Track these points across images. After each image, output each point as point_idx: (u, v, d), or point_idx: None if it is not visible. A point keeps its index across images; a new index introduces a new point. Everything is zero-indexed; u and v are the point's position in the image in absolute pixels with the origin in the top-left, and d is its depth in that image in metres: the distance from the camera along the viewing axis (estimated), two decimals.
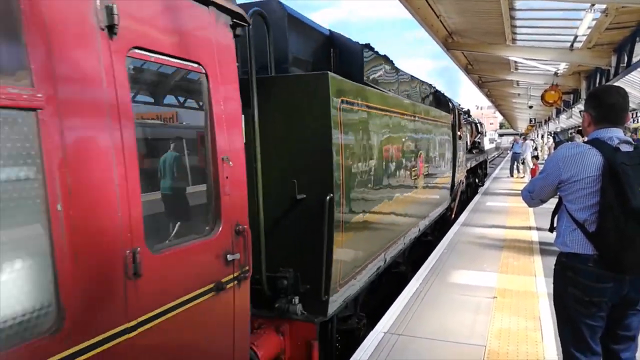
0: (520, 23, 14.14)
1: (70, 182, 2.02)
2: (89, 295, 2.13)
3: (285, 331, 4.54)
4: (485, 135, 35.37)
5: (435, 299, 6.65)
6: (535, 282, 7.30)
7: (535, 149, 30.74)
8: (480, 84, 28.92)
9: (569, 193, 3.18)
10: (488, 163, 30.96)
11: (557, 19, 13.76)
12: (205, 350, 3.07)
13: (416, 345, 5.21)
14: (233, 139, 3.19)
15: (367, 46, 6.05)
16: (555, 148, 20.55)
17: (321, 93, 4.36)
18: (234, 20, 3.20)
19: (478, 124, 24.95)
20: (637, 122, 21.61)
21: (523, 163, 24.77)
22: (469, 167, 18.21)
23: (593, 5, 10.82)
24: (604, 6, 11.03)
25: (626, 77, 14.16)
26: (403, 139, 7.28)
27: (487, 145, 36.72)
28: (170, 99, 3.36)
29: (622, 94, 3.22)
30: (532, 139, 39.00)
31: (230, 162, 3.08)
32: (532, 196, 3.56)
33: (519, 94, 31.27)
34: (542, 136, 42.42)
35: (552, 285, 3.45)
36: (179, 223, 3.24)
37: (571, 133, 21.75)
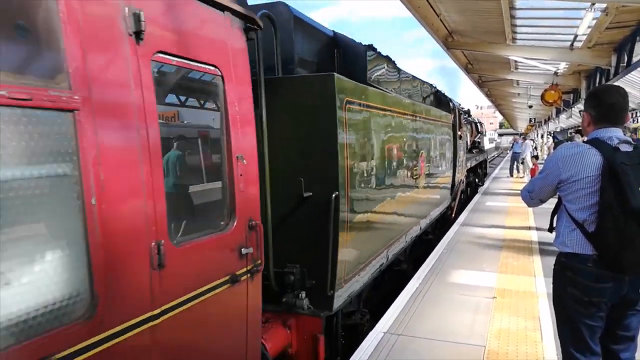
0: (520, 22, 14.27)
1: (103, 178, 2.20)
2: (118, 285, 2.31)
3: (292, 325, 4.73)
4: (485, 135, 35.57)
5: (435, 299, 6.70)
6: (535, 282, 7.35)
7: (535, 148, 30.98)
8: (480, 84, 29.08)
9: (568, 193, 3.20)
10: (488, 163, 31.19)
11: (557, 18, 13.89)
12: (221, 339, 3.25)
13: (416, 345, 5.26)
14: (246, 138, 3.38)
15: (371, 47, 6.24)
16: (554, 148, 20.71)
17: (327, 93, 4.55)
18: (247, 24, 3.40)
19: (478, 124, 25.11)
20: (637, 122, 21.76)
21: (522, 163, 24.97)
22: (469, 167, 18.42)
23: (593, 4, 10.92)
24: (604, 5, 11.14)
25: (626, 76, 14.22)
26: (405, 139, 7.48)
27: (487, 145, 36.93)
28: (188, 99, 3.55)
29: (622, 94, 3.24)
30: (531, 139, 39.27)
31: (244, 160, 3.28)
32: (531, 196, 3.58)
33: (518, 94, 31.45)
34: (542, 136, 42.64)
35: (551, 286, 3.47)
36: (197, 218, 3.42)
37: (571, 133, 21.91)
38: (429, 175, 9.44)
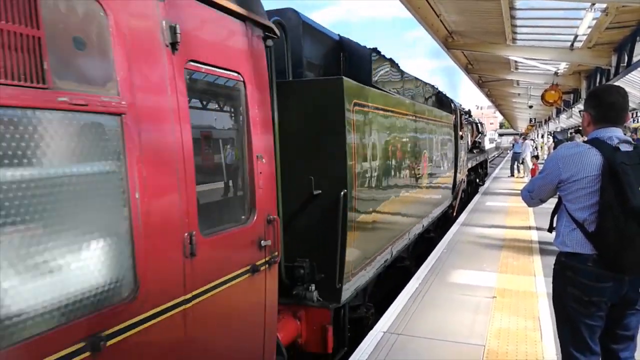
0: (520, 22, 14.48)
1: (145, 175, 2.51)
2: (157, 270, 2.62)
3: (302, 316, 5.06)
4: (486, 135, 35.90)
5: (435, 299, 6.82)
6: (535, 281, 7.47)
7: (536, 148, 31.29)
8: (481, 84, 29.34)
9: (568, 193, 3.24)
10: (488, 162, 31.53)
11: (558, 18, 14.10)
12: (243, 324, 3.57)
13: (415, 344, 5.35)
14: (265, 139, 3.72)
15: (375, 50, 6.58)
16: (554, 148, 21.00)
17: (336, 96, 4.88)
18: (265, 33, 3.75)
19: (478, 124, 25.41)
20: (637, 121, 22.03)
21: (522, 163, 25.31)
22: (469, 167, 18.74)
23: (593, 4, 11.11)
24: (604, 5, 11.33)
25: (626, 76, 14.50)
26: (409, 139, 7.84)
27: (487, 145, 37.31)
28: (214, 103, 3.89)
29: (622, 94, 3.28)
30: (532, 139, 39.63)
31: (264, 160, 3.62)
32: (531, 196, 3.62)
33: (519, 94, 31.69)
34: (542, 136, 43.02)
35: (551, 285, 3.51)
36: (222, 212, 3.76)
37: (571, 133, 22.18)
38: (431, 174, 9.78)
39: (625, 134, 3.32)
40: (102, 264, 2.34)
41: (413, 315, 6.20)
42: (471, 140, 20.73)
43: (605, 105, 3.25)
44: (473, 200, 17.46)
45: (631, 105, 18.83)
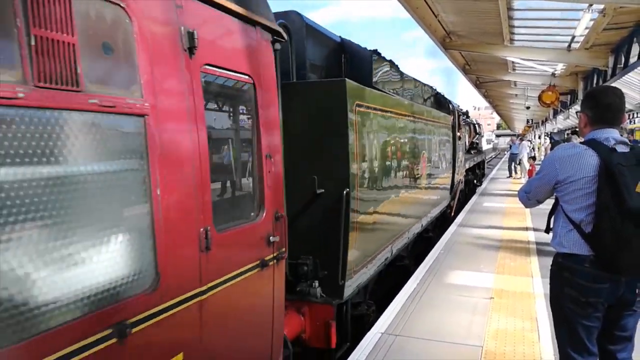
0: (518, 23, 14.72)
1: (165, 173, 2.70)
2: (175, 263, 2.81)
3: (306, 312, 5.28)
4: (483, 135, 36.20)
5: (433, 300, 6.90)
6: (532, 282, 7.56)
7: (533, 149, 31.55)
8: (478, 85, 29.65)
9: (565, 194, 3.28)
10: (486, 163, 31.79)
11: (555, 19, 14.37)
12: (253, 315, 3.78)
13: (413, 345, 5.42)
14: (274, 139, 3.93)
15: (375, 52, 6.81)
16: (551, 149, 21.20)
17: (339, 97, 5.10)
18: (274, 37, 3.95)
19: (476, 125, 25.67)
20: (634, 123, 22.25)
21: (519, 164, 25.59)
22: (467, 167, 18.99)
23: (591, 5, 11.33)
24: (601, 6, 11.55)
25: (623, 77, 14.74)
26: (408, 140, 8.08)
27: (484, 145, 37.59)
28: (226, 105, 4.12)
29: (619, 95, 3.31)
30: (529, 140, 39.96)
31: (272, 159, 3.83)
32: (528, 197, 3.66)
33: (516, 95, 32.00)
34: (539, 137, 43.37)
35: (548, 286, 3.54)
36: (234, 209, 3.96)
37: (567, 134, 22.39)
38: (430, 175, 10.03)
39: (621, 135, 3.36)
40: (128, 257, 2.53)
41: (411, 317, 6.28)
42: (469, 141, 20.97)
43: (602, 106, 3.30)
44: (470, 200, 17.64)
45: (628, 106, 19.04)
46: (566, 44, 15.86)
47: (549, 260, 3.58)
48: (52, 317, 2.14)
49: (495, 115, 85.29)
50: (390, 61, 7.65)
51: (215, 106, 3.79)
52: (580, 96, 20.73)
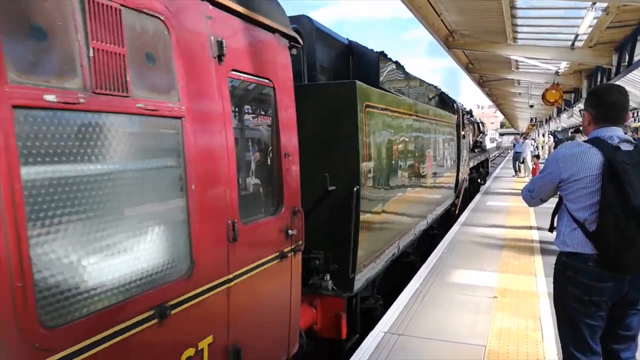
0: (521, 22, 14.93)
1: (199, 169, 3.04)
2: (208, 253, 3.15)
3: (317, 305, 5.62)
4: (487, 134, 36.48)
5: (436, 299, 7.02)
6: (536, 281, 7.68)
7: (536, 147, 31.81)
8: (481, 83, 29.84)
9: (569, 192, 3.33)
10: (489, 162, 32.09)
11: (558, 17, 14.56)
12: (273, 304, 4.14)
13: (416, 345, 5.51)
14: (291, 138, 4.29)
15: (382, 54, 7.16)
16: (555, 147, 21.43)
17: (350, 99, 5.45)
18: (291, 43, 4.31)
19: (480, 124, 25.99)
20: (638, 121, 22.42)
21: (523, 162, 25.90)
22: (471, 166, 19.29)
23: (594, 3, 11.45)
24: (605, 4, 11.68)
25: (627, 75, 14.81)
26: (414, 139, 8.43)
27: (488, 144, 37.90)
28: (249, 107, 4.50)
29: (622, 93, 3.35)
30: (532, 138, 40.25)
31: (290, 157, 4.17)
32: (532, 195, 3.71)
33: (519, 93, 32.14)
34: (543, 135, 43.65)
35: (552, 285, 3.60)
36: (257, 203, 4.31)
37: (571, 132, 22.63)
38: (435, 173, 10.38)
39: (625, 133, 3.42)
40: (169, 245, 2.88)
41: (414, 316, 6.39)
42: (473, 140, 21.25)
43: (606, 104, 3.35)
44: (474, 199, 17.87)
45: (632, 104, 19.13)
46: (570, 42, 16.02)
47: (552, 259, 3.63)
48: (105, 297, 2.47)
49: (498, 113, 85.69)
50: (396, 62, 7.98)
51: (241, 108, 4.15)
52: (584, 94, 20.80)
